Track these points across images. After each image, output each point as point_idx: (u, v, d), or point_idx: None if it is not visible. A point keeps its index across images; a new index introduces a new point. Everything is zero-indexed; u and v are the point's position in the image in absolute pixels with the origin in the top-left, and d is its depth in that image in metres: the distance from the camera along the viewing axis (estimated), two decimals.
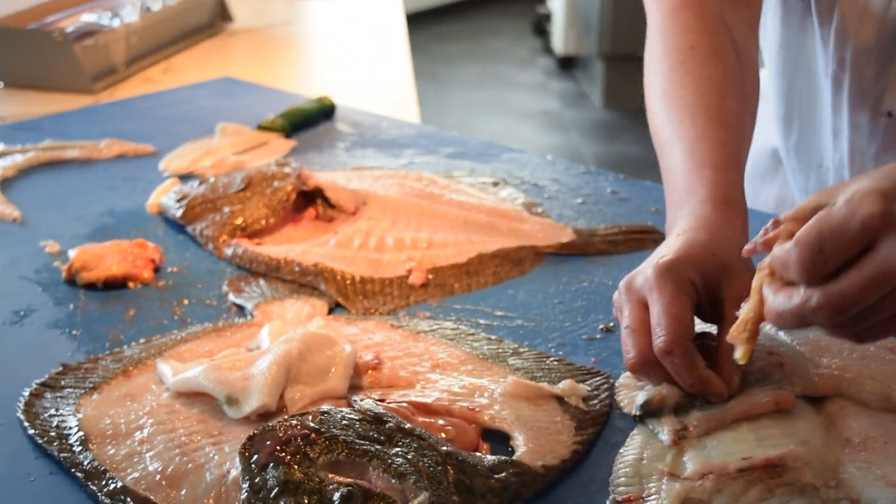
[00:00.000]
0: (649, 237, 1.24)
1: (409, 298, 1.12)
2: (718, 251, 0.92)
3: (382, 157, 1.48)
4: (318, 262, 1.17)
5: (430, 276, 1.16)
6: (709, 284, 0.91)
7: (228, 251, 1.22)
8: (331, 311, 1.09)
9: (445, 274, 1.16)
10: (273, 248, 1.21)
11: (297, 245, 1.22)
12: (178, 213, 1.30)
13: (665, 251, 0.93)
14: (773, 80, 1.31)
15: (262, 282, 1.14)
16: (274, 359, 0.88)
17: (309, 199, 1.30)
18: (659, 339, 0.86)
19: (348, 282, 1.14)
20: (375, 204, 1.29)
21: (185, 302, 1.11)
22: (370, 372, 0.93)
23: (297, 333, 0.93)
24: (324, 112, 1.70)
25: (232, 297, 1.11)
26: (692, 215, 0.97)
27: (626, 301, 0.91)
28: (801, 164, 1.32)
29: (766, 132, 1.36)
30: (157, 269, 1.18)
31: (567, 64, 6.15)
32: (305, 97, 1.76)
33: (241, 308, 1.10)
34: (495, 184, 1.39)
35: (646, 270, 0.90)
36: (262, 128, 1.62)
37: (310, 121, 1.67)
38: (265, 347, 0.95)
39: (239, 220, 1.26)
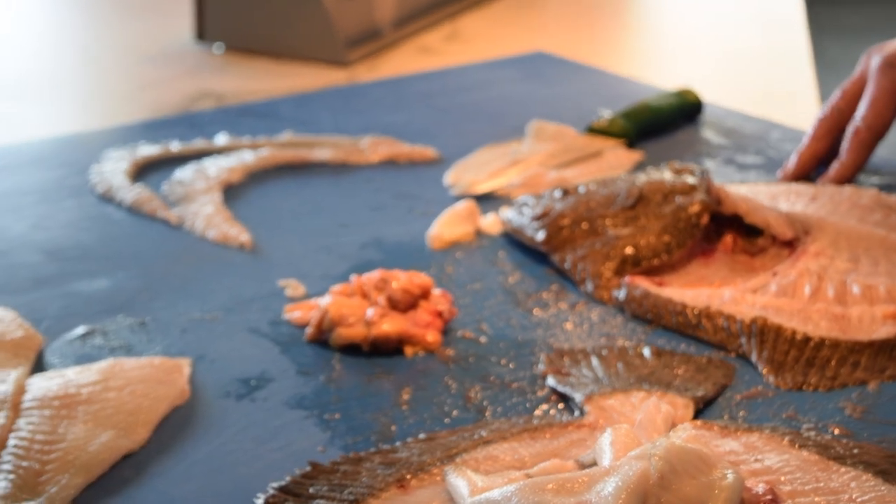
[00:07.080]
0: None
1: (885, 373, 1.12)
2: None
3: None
4: (758, 315, 1.17)
5: None
6: None
7: (619, 294, 1.24)
8: (698, 415, 1.08)
9: None
10: (686, 293, 1.23)
11: (723, 290, 1.23)
12: (541, 235, 1.33)
13: None
14: None
15: (595, 361, 1.15)
16: (623, 483, 0.88)
17: (721, 223, 1.31)
18: (859, 119, 1.52)
19: (797, 345, 1.14)
20: (822, 234, 1.30)
21: (484, 383, 1.13)
22: None
23: (657, 448, 0.92)
24: (684, 112, 1.71)
25: (552, 383, 1.12)
26: None
27: (860, 71, 1.57)
28: None
29: None
30: (444, 330, 1.20)
31: None
32: (656, 89, 1.76)
33: (564, 399, 1.10)
34: None
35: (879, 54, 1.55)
36: (593, 131, 1.63)
37: (664, 124, 1.68)
38: (607, 464, 0.94)
39: (629, 251, 1.28)
